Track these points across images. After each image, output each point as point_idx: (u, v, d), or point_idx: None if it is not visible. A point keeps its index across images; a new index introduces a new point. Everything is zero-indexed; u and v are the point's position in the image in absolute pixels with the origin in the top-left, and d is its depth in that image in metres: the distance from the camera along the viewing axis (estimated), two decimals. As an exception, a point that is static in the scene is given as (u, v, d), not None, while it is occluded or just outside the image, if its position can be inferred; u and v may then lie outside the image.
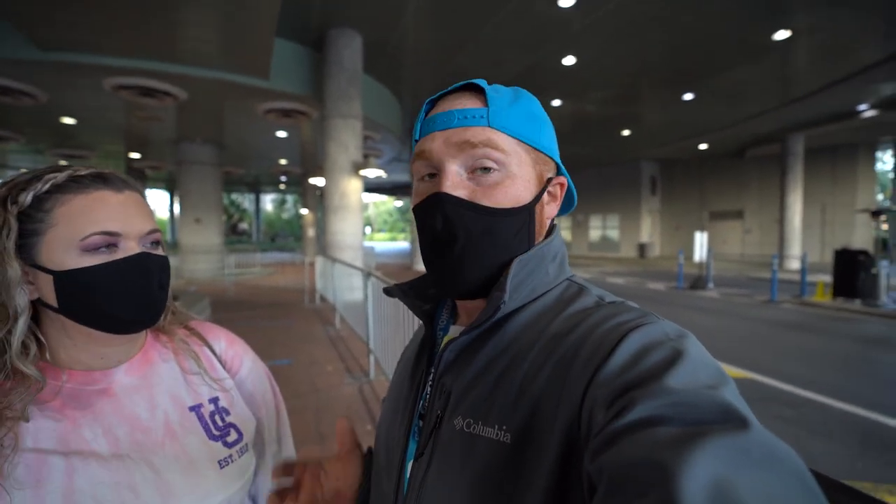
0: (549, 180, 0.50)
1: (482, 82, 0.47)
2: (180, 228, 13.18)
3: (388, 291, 0.55)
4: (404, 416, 0.51)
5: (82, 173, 0.59)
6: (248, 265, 14.61)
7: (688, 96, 11.35)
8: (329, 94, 8.06)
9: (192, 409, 0.68)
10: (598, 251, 23.83)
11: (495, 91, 0.47)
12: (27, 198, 0.56)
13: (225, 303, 8.27)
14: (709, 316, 7.50)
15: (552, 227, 0.52)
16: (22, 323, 0.56)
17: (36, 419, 0.56)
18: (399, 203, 55.75)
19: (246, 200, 42.76)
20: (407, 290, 0.54)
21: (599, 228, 23.99)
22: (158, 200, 32.20)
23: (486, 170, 0.45)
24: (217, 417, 0.70)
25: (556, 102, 11.90)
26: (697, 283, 10.80)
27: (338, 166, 7.97)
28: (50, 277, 0.56)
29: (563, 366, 0.39)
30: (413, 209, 0.48)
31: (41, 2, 5.38)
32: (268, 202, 45.48)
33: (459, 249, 0.45)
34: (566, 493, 0.35)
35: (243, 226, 43.46)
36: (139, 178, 18.53)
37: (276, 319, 6.83)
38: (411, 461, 0.47)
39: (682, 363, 0.33)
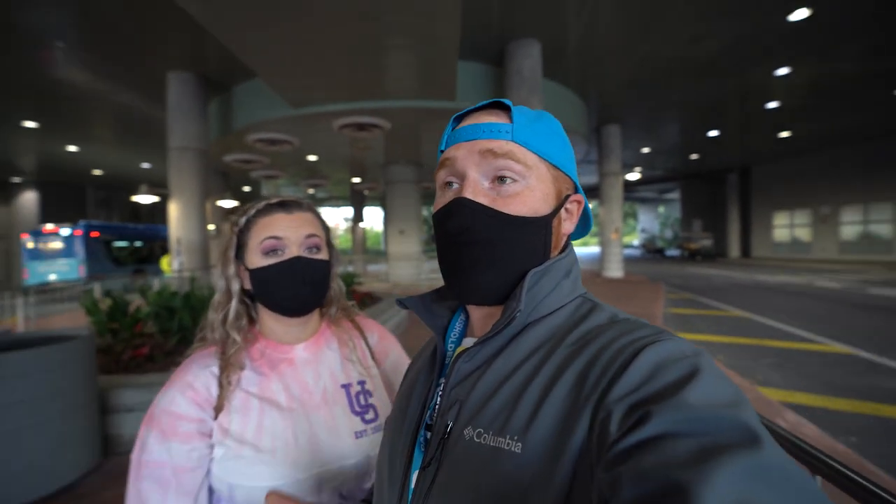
0: (567, 197, 0.51)
1: (508, 102, 0.49)
2: (388, 239, 15.40)
3: (402, 302, 0.56)
4: (410, 427, 0.52)
5: (272, 202, 0.82)
6: (442, 271, 16.15)
7: None
8: (509, 105, 8.30)
9: (343, 386, 0.85)
10: (855, 254, 18.08)
11: (519, 110, 0.49)
12: (242, 221, 0.81)
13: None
14: None
15: (566, 244, 0.53)
16: (235, 302, 0.81)
17: (247, 370, 0.79)
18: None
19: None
20: (421, 302, 0.55)
21: (857, 224, 18.15)
22: (375, 216, 38.42)
23: (506, 179, 0.46)
24: (361, 397, 0.85)
25: (783, 71, 9.62)
26: None
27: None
28: (247, 273, 0.80)
29: (578, 380, 0.39)
30: (434, 214, 0.50)
31: (292, 73, 7.09)
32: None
33: (477, 253, 0.46)
34: (578, 501, 0.35)
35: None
36: (359, 199, 22.46)
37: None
38: (416, 471, 0.47)
39: (699, 380, 0.33)
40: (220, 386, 0.75)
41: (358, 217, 22.98)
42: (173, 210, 8.85)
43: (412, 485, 0.48)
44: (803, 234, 20.16)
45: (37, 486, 2.31)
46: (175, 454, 0.70)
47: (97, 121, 11.58)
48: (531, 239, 0.47)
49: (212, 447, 0.73)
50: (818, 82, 10.36)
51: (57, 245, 13.05)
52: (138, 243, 15.73)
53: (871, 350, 4.96)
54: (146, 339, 3.68)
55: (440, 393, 0.49)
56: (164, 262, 10.77)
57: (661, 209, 45.11)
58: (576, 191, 0.53)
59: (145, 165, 16.45)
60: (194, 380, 0.75)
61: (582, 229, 0.57)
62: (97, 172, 17.65)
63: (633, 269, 18.30)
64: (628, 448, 0.30)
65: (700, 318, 7.43)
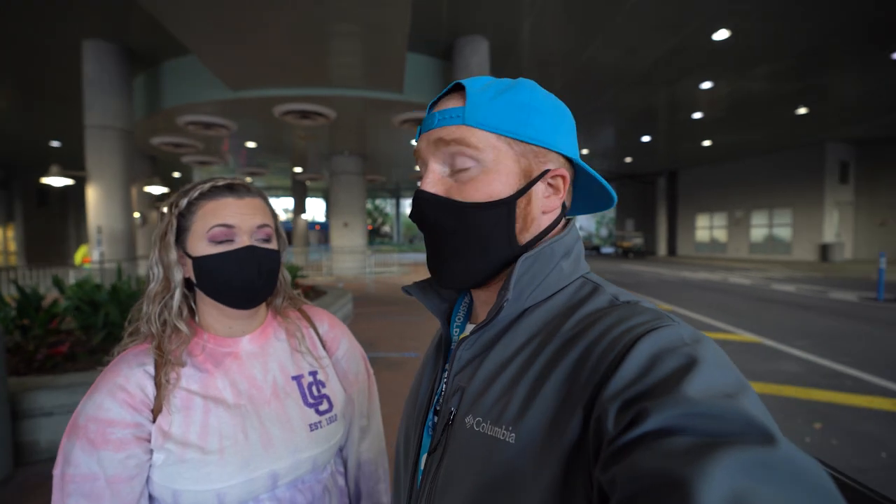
0: (545, 173, 0.47)
1: (467, 82, 0.47)
2: (332, 232, 15.01)
3: (407, 290, 0.56)
4: (421, 411, 0.53)
5: (219, 184, 0.74)
6: (388, 264, 16.01)
7: (896, 57, 8.96)
8: (457, 101, 8.36)
9: (294, 378, 0.80)
10: (762, 253, 20.05)
11: (482, 88, 0.47)
12: (183, 202, 0.73)
13: (366, 298, 9.17)
14: (926, 338, 5.82)
15: (567, 222, 0.51)
16: (178, 292, 0.74)
17: (187, 367, 0.73)
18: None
19: (388, 205, 46.80)
20: (424, 288, 0.55)
21: (764, 227, 20.08)
22: (317, 208, 37.16)
23: (463, 166, 0.46)
24: (313, 388, 0.81)
25: (706, 85, 10.48)
26: (909, 294, 8.44)
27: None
28: (190, 261, 0.73)
29: (574, 370, 0.38)
30: None
31: (231, 53, 6.67)
32: (408, 206, 49.09)
33: (441, 241, 0.48)
34: (569, 497, 0.34)
35: (385, 229, 47.61)
36: (301, 190, 21.67)
37: (409, 315, 7.27)
38: (425, 455, 0.48)
39: (697, 370, 0.32)
40: (157, 385, 0.68)
41: (299, 208, 22.16)
42: (92, 195, 8.04)
43: (422, 467, 0.48)
44: (720, 234, 22.08)
45: (-70, 503, 2.05)
46: (108, 464, 0.63)
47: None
48: (489, 223, 0.45)
49: (151, 452, 0.67)
50: (735, 97, 11.39)
51: None
52: None
53: (774, 338, 5.62)
54: (64, 336, 3.34)
55: (445, 379, 0.49)
56: (78, 255, 9.59)
57: (597, 208, 47.53)
58: (568, 162, 0.49)
59: (55, 143, 14.75)
60: (126, 381, 0.67)
61: (601, 201, 0.53)
62: (-5, 149, 15.60)
63: (571, 264, 19.16)
64: (626, 445, 0.29)
65: (631, 311, 7.98)
